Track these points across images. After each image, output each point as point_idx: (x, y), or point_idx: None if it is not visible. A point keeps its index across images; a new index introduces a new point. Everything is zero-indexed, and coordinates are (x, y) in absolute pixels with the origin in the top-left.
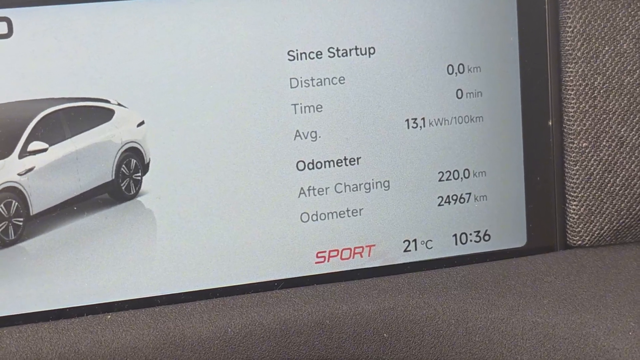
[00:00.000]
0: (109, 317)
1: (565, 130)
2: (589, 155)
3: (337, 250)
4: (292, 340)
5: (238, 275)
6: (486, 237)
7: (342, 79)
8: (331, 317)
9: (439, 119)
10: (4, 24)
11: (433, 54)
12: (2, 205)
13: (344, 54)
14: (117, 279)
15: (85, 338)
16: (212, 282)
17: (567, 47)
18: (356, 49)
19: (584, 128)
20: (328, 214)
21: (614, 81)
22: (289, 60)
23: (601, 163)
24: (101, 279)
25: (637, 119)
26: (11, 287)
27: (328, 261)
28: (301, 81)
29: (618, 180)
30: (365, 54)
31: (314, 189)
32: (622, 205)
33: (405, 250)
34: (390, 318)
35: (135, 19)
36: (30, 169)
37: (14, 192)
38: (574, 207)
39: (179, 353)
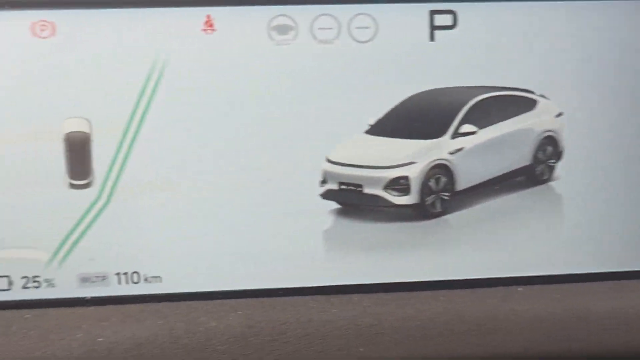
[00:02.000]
0: None
1: None
2: None
3: None
4: None
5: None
6: None
7: None
8: None
9: None
10: (450, 17)
11: None
12: (432, 180)
13: None
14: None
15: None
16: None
17: None
18: None
19: None
20: None
21: None
22: None
23: None
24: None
25: None
26: (434, 256)
27: None
28: None
29: None
30: None
31: None
32: None
33: None
34: None
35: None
36: (460, 149)
37: (444, 169)
38: None
39: (583, 325)
